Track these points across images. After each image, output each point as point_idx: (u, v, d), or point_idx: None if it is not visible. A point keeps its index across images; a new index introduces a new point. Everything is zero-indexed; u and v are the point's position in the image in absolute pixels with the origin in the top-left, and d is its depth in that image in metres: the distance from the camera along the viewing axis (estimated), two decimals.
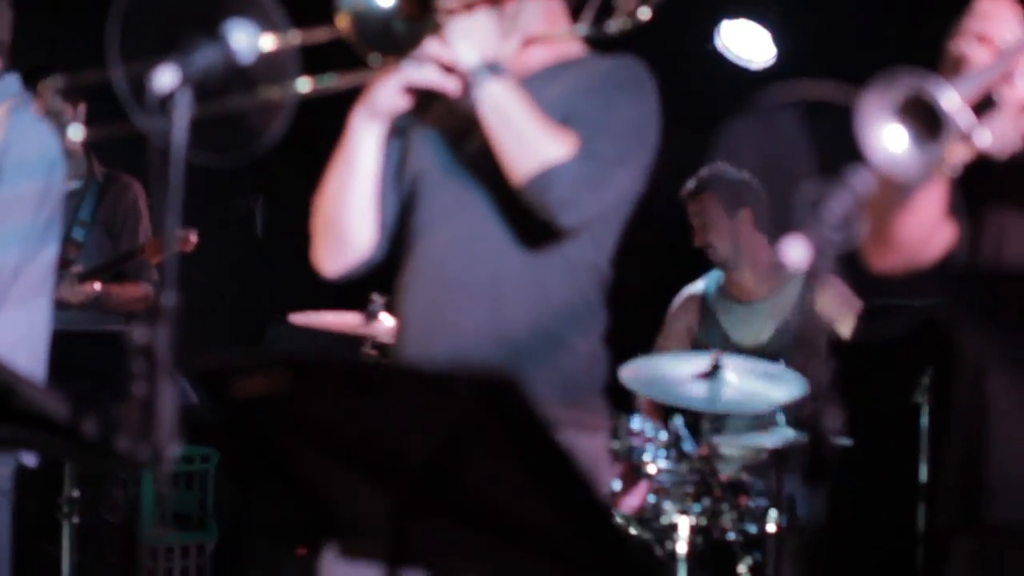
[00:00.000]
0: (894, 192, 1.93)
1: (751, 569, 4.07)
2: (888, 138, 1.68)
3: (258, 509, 5.79)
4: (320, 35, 2.32)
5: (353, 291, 3.56)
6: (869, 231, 2.02)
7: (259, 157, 2.63)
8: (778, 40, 5.48)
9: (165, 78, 1.67)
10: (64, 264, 4.57)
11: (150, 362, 1.56)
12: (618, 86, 2.47)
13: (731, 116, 4.45)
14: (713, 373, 4.07)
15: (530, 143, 2.35)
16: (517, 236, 2.46)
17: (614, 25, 2.44)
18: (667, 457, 4.13)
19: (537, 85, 2.46)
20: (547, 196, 2.35)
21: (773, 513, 4.00)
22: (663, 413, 4.52)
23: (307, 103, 2.50)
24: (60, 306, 4.32)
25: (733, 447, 4.39)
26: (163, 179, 1.61)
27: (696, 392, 4.10)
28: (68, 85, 2.97)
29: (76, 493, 3.87)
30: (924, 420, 3.97)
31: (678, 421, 4.17)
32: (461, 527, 1.66)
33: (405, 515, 1.64)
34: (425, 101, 2.51)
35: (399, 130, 2.57)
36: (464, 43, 2.37)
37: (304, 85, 2.41)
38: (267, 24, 2.09)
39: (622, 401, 4.37)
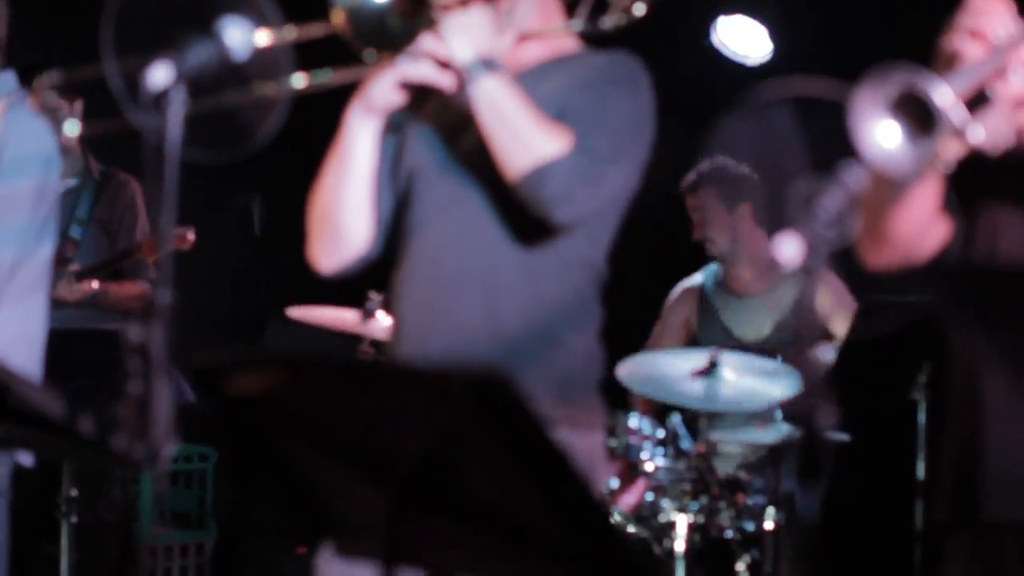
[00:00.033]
0: (888, 188, 1.93)
1: (749, 567, 4.07)
2: (881, 134, 1.67)
3: (257, 508, 5.79)
4: (315, 31, 2.32)
5: (351, 288, 3.56)
6: (863, 227, 2.02)
7: (256, 154, 2.63)
8: (774, 36, 5.48)
9: (159, 75, 1.67)
10: (61, 262, 4.57)
11: (145, 360, 1.56)
12: (613, 82, 2.47)
13: (727, 112, 4.44)
14: (710, 370, 4.08)
15: (525, 139, 2.35)
16: (512, 232, 2.45)
17: (609, 21, 2.44)
18: (665, 455, 4.13)
19: (532, 81, 2.46)
20: (542, 192, 2.34)
21: (771, 510, 4.00)
22: (660, 410, 4.52)
23: (305, 100, 2.50)
24: (57, 304, 4.32)
25: (731, 443, 4.39)
26: (158, 176, 1.61)
27: (693, 390, 4.10)
28: (64, 81, 2.97)
29: (75, 492, 3.87)
30: (921, 417, 3.96)
31: (675, 418, 4.17)
32: (456, 526, 1.66)
33: (400, 514, 1.64)
34: (420, 97, 2.51)
35: (395, 126, 2.56)
36: (459, 39, 2.37)
37: (299, 81, 2.41)
38: (261, 21, 2.09)
39: (619, 398, 4.37)
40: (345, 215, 2.55)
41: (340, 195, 2.54)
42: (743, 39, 5.52)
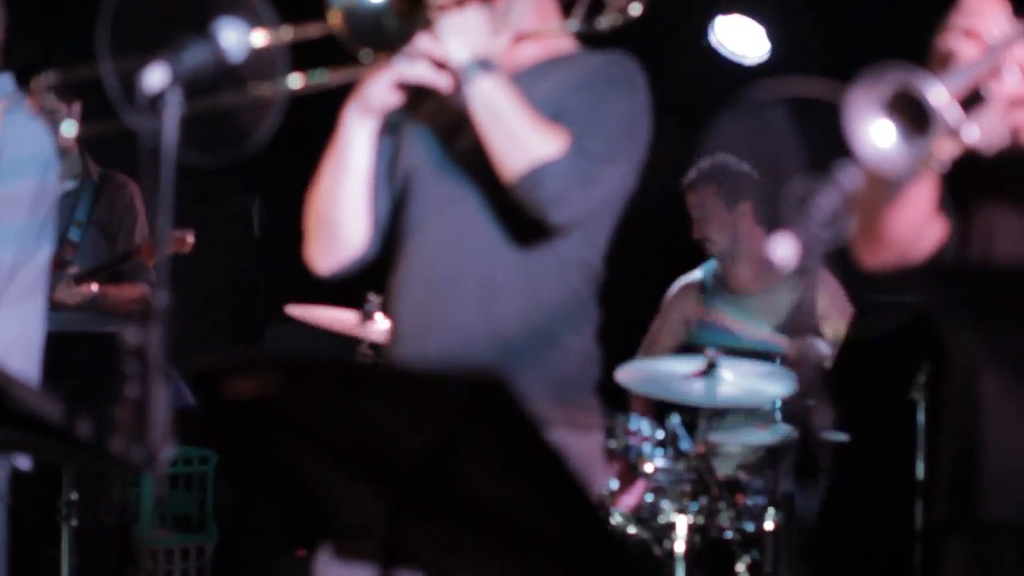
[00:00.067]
0: (883, 188, 1.93)
1: (749, 567, 4.07)
2: (876, 133, 1.67)
3: (258, 511, 5.79)
4: (312, 31, 2.32)
5: (350, 290, 3.56)
6: (859, 227, 2.02)
7: (255, 156, 2.63)
8: (772, 35, 5.48)
9: (155, 77, 1.67)
10: (61, 265, 4.57)
11: (143, 363, 1.56)
12: (609, 82, 2.47)
13: (723, 112, 4.44)
14: (709, 371, 4.08)
15: (521, 140, 2.35)
16: (509, 233, 2.45)
17: (605, 21, 2.44)
18: (664, 456, 4.13)
19: (528, 81, 2.46)
20: (538, 193, 2.34)
21: (771, 511, 4.00)
22: (659, 412, 4.52)
23: (304, 101, 2.50)
24: (57, 307, 4.32)
25: (731, 443, 4.39)
26: (154, 179, 1.61)
27: (693, 388, 4.11)
28: (61, 82, 2.97)
29: (75, 496, 3.87)
30: (921, 417, 3.96)
31: (675, 419, 4.17)
32: (454, 527, 1.66)
33: (398, 516, 1.64)
34: (417, 97, 2.51)
35: (391, 127, 2.56)
36: (455, 39, 2.37)
37: (295, 81, 2.41)
38: (256, 22, 2.09)
39: (617, 400, 4.37)
40: (342, 216, 2.55)
41: (337, 196, 2.54)
42: (741, 39, 5.52)
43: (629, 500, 4.10)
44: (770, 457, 4.14)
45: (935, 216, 2.02)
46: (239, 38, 1.78)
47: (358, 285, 3.20)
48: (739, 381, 4.09)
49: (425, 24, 2.35)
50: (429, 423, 1.54)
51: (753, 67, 5.49)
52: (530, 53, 2.56)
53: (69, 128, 2.51)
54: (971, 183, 1.98)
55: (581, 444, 2.44)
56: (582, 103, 2.43)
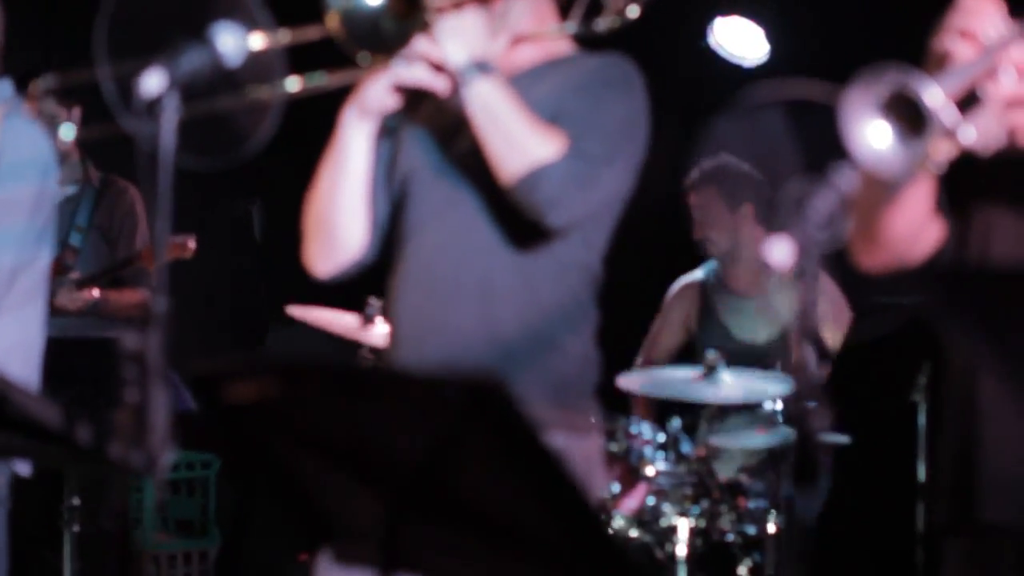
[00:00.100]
0: (880, 190, 1.93)
1: (751, 571, 4.07)
2: (872, 134, 1.67)
3: (260, 515, 5.79)
4: (309, 34, 2.32)
5: (351, 294, 3.56)
6: (856, 229, 2.02)
7: (256, 160, 2.64)
8: (771, 37, 5.48)
9: (152, 82, 1.67)
10: (62, 270, 4.58)
11: (142, 368, 1.57)
12: (606, 85, 2.47)
13: (720, 114, 4.44)
14: (709, 373, 4.09)
15: (518, 142, 2.35)
16: (507, 236, 2.45)
17: (603, 23, 2.44)
18: (666, 459, 4.13)
19: (526, 83, 2.46)
20: (535, 196, 2.34)
21: (772, 514, 4.00)
22: (659, 415, 4.53)
23: (305, 105, 2.51)
24: (58, 312, 4.33)
25: (732, 446, 4.39)
26: (153, 183, 1.62)
27: (694, 390, 4.12)
28: (59, 85, 2.97)
29: (76, 501, 3.87)
30: (922, 418, 3.96)
31: (676, 423, 4.18)
32: (453, 531, 1.66)
33: (397, 519, 1.64)
34: (415, 100, 2.51)
35: (389, 130, 2.56)
36: (453, 41, 2.37)
37: (293, 84, 2.42)
38: (253, 25, 2.09)
39: (618, 403, 4.38)
40: (340, 218, 2.55)
41: (335, 198, 2.54)
42: (740, 40, 5.52)
43: (630, 503, 4.10)
44: (771, 460, 4.14)
45: (932, 218, 2.02)
46: (236, 42, 1.78)
47: (359, 289, 3.20)
48: (739, 383, 4.10)
49: (423, 27, 2.35)
50: (428, 426, 1.54)
51: (752, 68, 5.49)
52: (528, 55, 2.56)
53: (67, 132, 2.51)
54: (968, 185, 1.98)
55: (580, 447, 2.44)
56: (580, 105, 2.43)
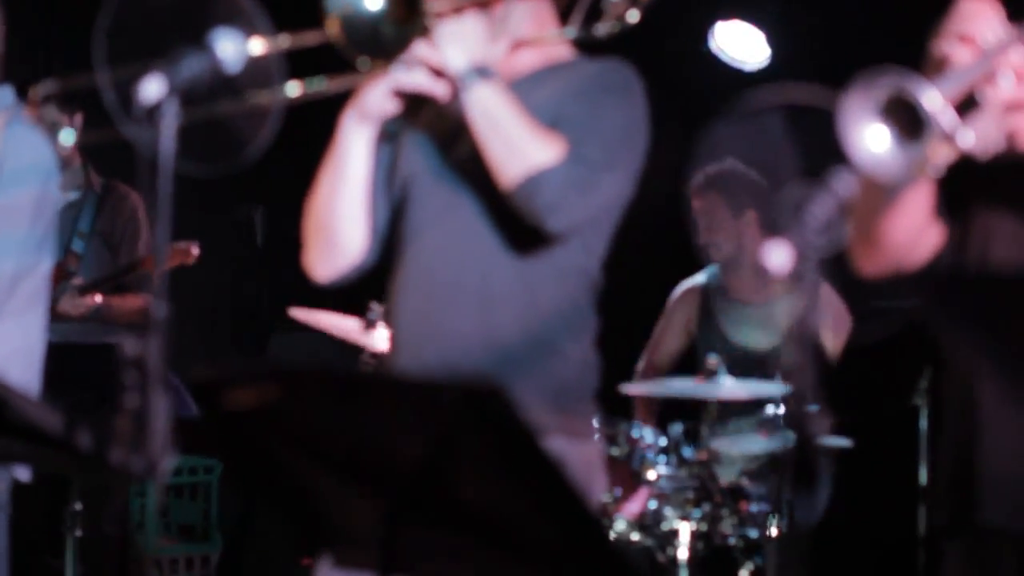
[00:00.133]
0: (879, 194, 1.93)
1: (752, 574, 4.07)
2: (871, 138, 1.67)
3: (262, 520, 5.79)
4: (309, 39, 2.33)
5: (354, 299, 3.56)
6: (856, 234, 2.02)
7: (258, 165, 2.64)
8: (772, 41, 5.48)
9: (152, 88, 1.67)
10: (65, 276, 4.58)
11: (142, 373, 1.57)
12: (606, 90, 2.47)
13: (719, 118, 4.44)
14: (710, 378, 4.10)
15: (518, 147, 2.35)
16: (507, 241, 2.45)
17: (603, 28, 2.44)
18: (667, 463, 4.13)
19: (526, 88, 2.46)
20: (535, 201, 2.34)
21: (774, 518, 4.00)
22: (661, 419, 4.53)
23: (307, 111, 2.51)
24: (61, 318, 4.33)
25: (733, 451, 4.39)
26: (153, 189, 1.62)
27: (696, 389, 4.13)
28: (59, 91, 2.98)
29: (79, 506, 3.87)
30: (923, 422, 3.96)
31: (677, 428, 4.18)
32: (452, 535, 1.66)
33: (397, 523, 1.65)
34: (415, 105, 2.51)
35: (389, 135, 2.56)
36: (453, 46, 2.37)
37: (293, 89, 2.42)
38: (252, 31, 2.09)
39: (620, 407, 4.38)
40: (340, 223, 2.55)
41: (335, 203, 2.54)
42: (741, 44, 5.52)
43: (632, 507, 4.10)
44: (773, 464, 4.14)
45: (932, 222, 2.02)
46: (236, 48, 1.78)
47: (361, 294, 3.20)
48: (740, 385, 4.11)
49: (423, 32, 2.35)
50: (427, 431, 1.54)
51: (753, 73, 5.49)
52: (528, 60, 2.56)
53: (67, 137, 2.51)
54: (967, 188, 1.98)
55: (579, 452, 2.43)
56: (579, 110, 2.43)
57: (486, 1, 2.45)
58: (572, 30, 2.51)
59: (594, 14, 2.48)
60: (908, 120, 1.66)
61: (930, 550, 3.91)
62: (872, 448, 4.10)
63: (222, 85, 1.87)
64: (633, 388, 4.27)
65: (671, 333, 4.86)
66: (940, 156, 1.69)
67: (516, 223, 2.40)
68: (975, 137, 1.69)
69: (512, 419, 1.45)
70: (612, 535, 4.04)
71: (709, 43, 5.53)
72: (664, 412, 4.60)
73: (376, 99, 2.45)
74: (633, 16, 2.40)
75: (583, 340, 2.52)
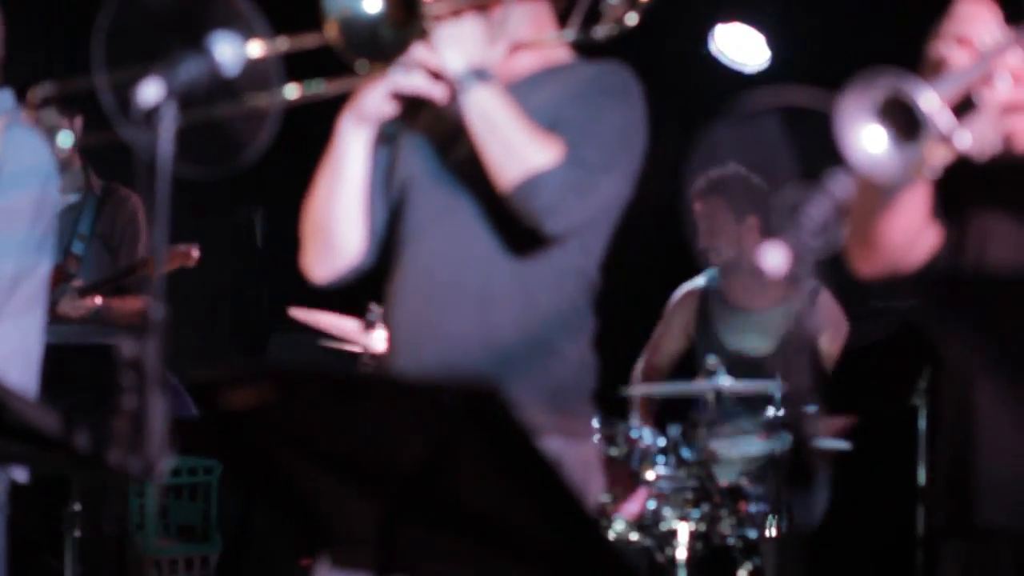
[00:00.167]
0: (876, 195, 1.93)
1: (751, 574, 4.07)
2: (868, 139, 1.68)
3: (261, 520, 5.80)
4: (308, 42, 2.33)
5: (353, 300, 3.56)
6: (853, 236, 2.02)
7: (258, 167, 2.64)
8: (772, 43, 5.49)
9: (150, 92, 1.68)
10: (64, 278, 4.59)
11: (140, 375, 1.57)
12: (604, 92, 2.47)
13: (716, 121, 4.44)
14: (710, 376, 4.11)
15: (516, 150, 2.35)
16: (505, 243, 2.46)
17: (601, 31, 2.45)
18: (666, 463, 4.14)
19: (524, 91, 2.47)
20: (533, 203, 2.35)
21: (773, 518, 4.01)
22: (659, 420, 4.53)
23: (307, 114, 2.51)
24: (61, 320, 4.34)
25: (732, 453, 4.40)
26: (151, 191, 1.62)
27: (695, 385, 4.15)
28: (58, 93, 2.98)
29: (78, 507, 3.88)
30: (922, 422, 3.96)
31: (675, 429, 4.18)
32: (450, 536, 1.66)
33: (394, 524, 1.65)
34: (413, 107, 2.52)
35: (387, 137, 2.57)
36: (451, 49, 2.38)
37: (292, 92, 2.42)
38: (250, 34, 2.10)
39: (619, 408, 4.38)
40: (338, 224, 2.55)
41: (333, 205, 2.54)
42: (741, 47, 5.52)
43: (631, 507, 4.11)
44: (772, 465, 4.14)
45: (928, 223, 2.02)
46: (234, 50, 1.79)
47: (360, 295, 3.20)
48: (738, 384, 4.12)
49: (421, 34, 2.35)
50: (424, 432, 1.54)
51: (753, 75, 5.49)
52: (526, 63, 2.56)
53: (65, 139, 2.52)
54: (964, 190, 1.98)
55: (577, 452, 2.44)
56: (578, 113, 2.43)
57: (484, 4, 2.45)
58: (571, 33, 2.52)
59: (593, 17, 2.48)
60: (905, 121, 1.66)
61: (928, 550, 3.91)
62: (870, 448, 4.11)
63: (220, 88, 1.87)
64: (634, 390, 4.28)
65: (670, 335, 4.86)
66: (937, 157, 1.69)
67: (514, 225, 2.41)
68: (972, 139, 1.69)
69: (509, 419, 1.45)
70: (611, 535, 4.04)
71: (709, 45, 5.53)
72: (663, 412, 4.61)
73: (374, 101, 2.46)
74: (632, 19, 2.41)
75: (580, 341, 2.52)
